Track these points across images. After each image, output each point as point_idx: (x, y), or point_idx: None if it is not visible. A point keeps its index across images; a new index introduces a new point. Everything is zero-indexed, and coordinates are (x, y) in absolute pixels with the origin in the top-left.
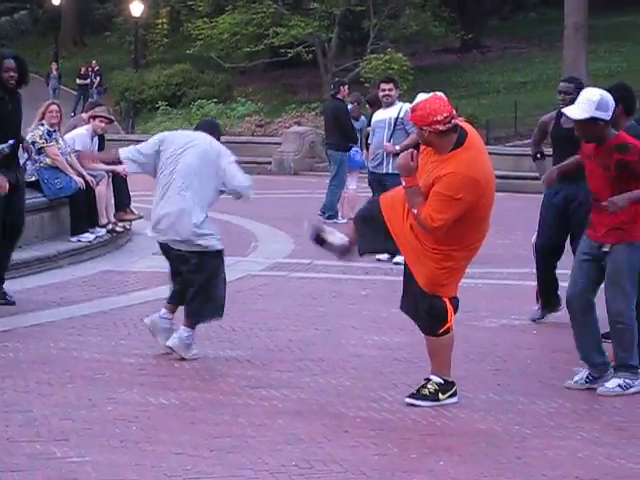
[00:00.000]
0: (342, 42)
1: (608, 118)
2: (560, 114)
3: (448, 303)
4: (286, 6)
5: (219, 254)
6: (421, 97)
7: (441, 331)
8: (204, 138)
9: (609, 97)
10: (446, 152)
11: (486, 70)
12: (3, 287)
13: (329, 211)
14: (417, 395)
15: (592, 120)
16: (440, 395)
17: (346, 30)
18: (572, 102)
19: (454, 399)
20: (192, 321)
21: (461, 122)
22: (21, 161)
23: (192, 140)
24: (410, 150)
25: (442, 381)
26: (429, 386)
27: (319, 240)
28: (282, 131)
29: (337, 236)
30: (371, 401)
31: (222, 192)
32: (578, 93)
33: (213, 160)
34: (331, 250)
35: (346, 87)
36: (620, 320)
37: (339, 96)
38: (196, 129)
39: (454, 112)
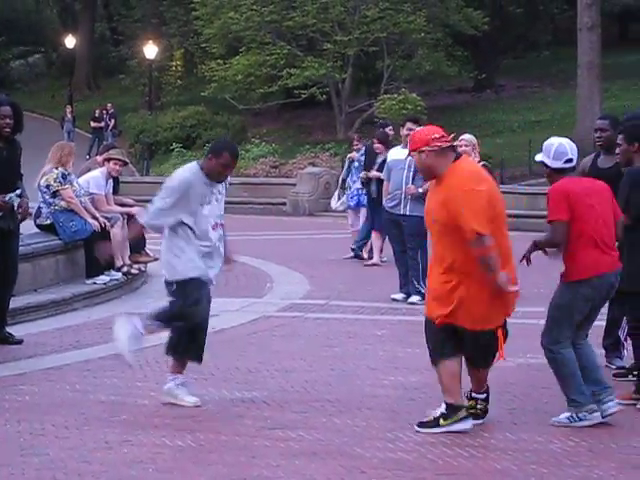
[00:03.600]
0: (356, 82)
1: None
2: (598, 154)
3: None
4: (300, 47)
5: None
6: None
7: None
8: None
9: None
10: (445, 170)
11: (500, 109)
12: (5, 329)
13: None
14: (423, 423)
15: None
16: (441, 421)
17: (360, 70)
18: (608, 140)
19: (462, 425)
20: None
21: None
22: (35, 205)
23: None
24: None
25: (445, 406)
26: (437, 414)
27: None
28: (297, 172)
29: None
30: (387, 441)
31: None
32: (614, 129)
33: None
34: None
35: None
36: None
37: None
38: None
39: (448, 137)
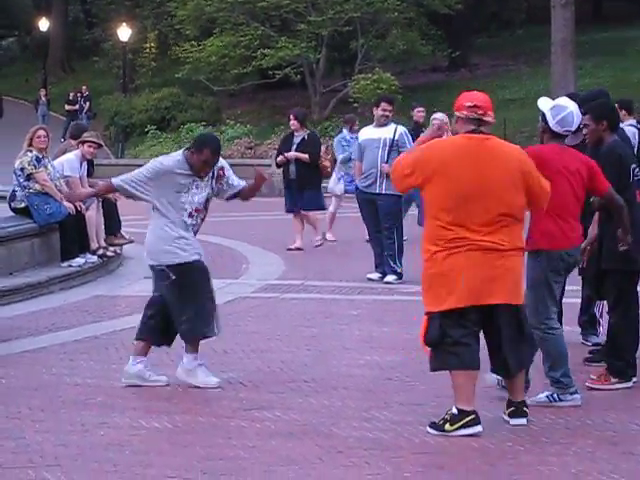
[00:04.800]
0: (330, 63)
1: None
2: None
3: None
4: (273, 28)
5: None
6: None
7: None
8: None
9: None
10: None
11: (474, 88)
12: None
13: None
14: (433, 424)
15: None
16: (447, 426)
17: (334, 51)
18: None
19: (470, 430)
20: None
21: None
22: (10, 188)
23: None
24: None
25: (455, 412)
26: (446, 416)
27: None
28: (272, 153)
29: None
30: (364, 421)
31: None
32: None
33: None
34: None
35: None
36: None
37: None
38: None
39: (486, 110)
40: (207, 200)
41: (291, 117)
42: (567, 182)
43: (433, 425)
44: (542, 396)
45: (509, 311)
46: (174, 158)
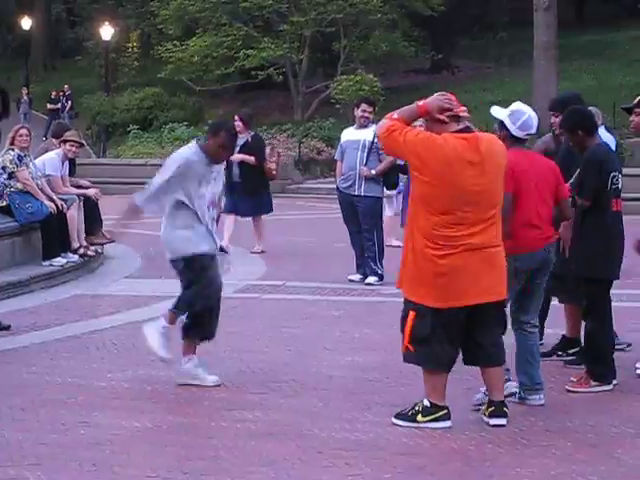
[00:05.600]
0: (313, 64)
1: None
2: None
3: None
4: (256, 28)
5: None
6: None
7: None
8: None
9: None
10: None
11: (456, 90)
12: None
13: None
14: (399, 415)
15: None
16: (419, 417)
17: (317, 51)
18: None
19: (441, 424)
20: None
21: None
22: None
23: None
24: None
25: (428, 404)
26: (416, 407)
27: None
28: None
29: None
30: (344, 422)
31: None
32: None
33: None
34: None
35: None
36: None
37: None
38: None
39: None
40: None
41: (236, 118)
42: (535, 188)
43: (402, 416)
44: (512, 385)
45: (496, 306)
46: (188, 148)
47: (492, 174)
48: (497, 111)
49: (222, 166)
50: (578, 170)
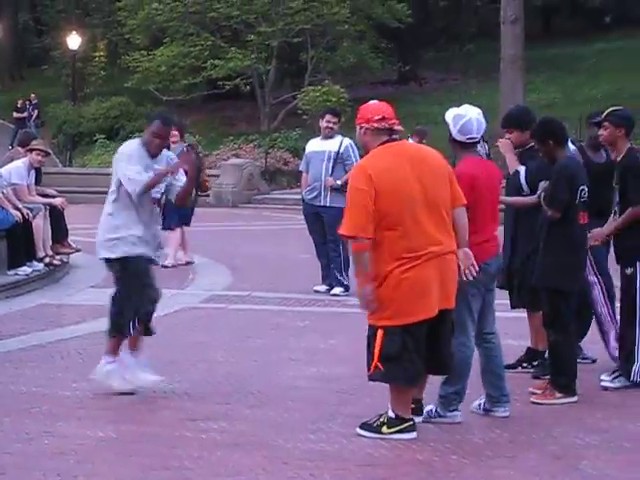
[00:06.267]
0: (280, 74)
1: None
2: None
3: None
4: (224, 39)
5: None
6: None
7: None
8: None
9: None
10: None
11: (424, 102)
12: None
13: None
14: (364, 425)
15: None
16: (384, 428)
17: (284, 62)
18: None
19: (406, 435)
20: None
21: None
22: None
23: None
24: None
25: (393, 415)
26: (381, 418)
27: None
28: (220, 163)
29: None
30: (309, 432)
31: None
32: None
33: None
34: None
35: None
36: None
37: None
38: None
39: (394, 120)
40: (162, 194)
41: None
42: (486, 196)
43: (367, 427)
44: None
45: (450, 312)
46: (132, 142)
47: (433, 176)
48: (447, 114)
49: (166, 162)
50: (546, 182)
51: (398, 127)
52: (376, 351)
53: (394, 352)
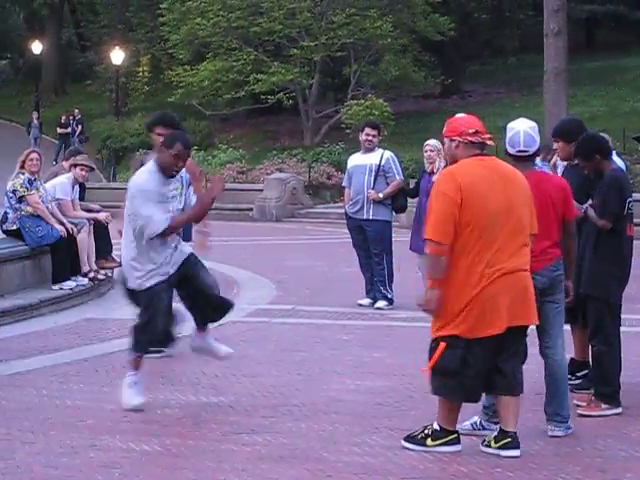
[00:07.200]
0: (323, 88)
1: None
2: None
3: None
4: (266, 53)
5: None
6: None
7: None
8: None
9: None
10: None
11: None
12: None
13: None
14: (409, 438)
15: None
16: (429, 441)
17: (327, 76)
18: None
19: (450, 448)
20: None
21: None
22: (2, 210)
23: None
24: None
25: (438, 428)
26: (426, 431)
27: None
28: (264, 178)
29: None
30: (353, 445)
31: None
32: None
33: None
34: None
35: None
36: None
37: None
38: None
39: (487, 134)
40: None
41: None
42: (550, 208)
43: (411, 439)
44: (467, 424)
45: (523, 331)
46: (142, 174)
47: (519, 196)
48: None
49: (185, 182)
50: (595, 193)
51: (490, 142)
52: (431, 363)
53: (452, 367)
